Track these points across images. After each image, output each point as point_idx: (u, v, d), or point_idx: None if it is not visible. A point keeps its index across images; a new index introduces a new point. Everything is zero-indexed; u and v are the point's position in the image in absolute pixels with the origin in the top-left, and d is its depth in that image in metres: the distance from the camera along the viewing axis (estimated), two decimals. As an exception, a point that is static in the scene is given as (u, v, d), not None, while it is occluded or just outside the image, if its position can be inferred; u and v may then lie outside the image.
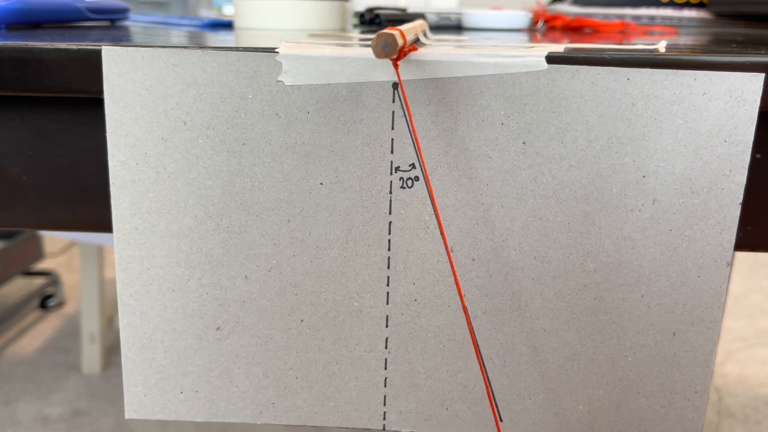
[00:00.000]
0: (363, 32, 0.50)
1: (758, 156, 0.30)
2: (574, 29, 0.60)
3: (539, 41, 0.48)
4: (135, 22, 0.65)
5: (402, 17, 0.55)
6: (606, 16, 0.86)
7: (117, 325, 1.60)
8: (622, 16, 0.85)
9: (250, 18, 0.50)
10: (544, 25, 0.63)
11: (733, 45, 0.36)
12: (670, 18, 0.84)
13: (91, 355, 1.47)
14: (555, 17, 0.62)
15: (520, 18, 0.57)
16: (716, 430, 1.32)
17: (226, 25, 0.54)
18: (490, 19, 0.57)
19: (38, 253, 1.74)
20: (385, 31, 0.21)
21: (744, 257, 2.24)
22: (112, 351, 1.55)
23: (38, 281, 1.76)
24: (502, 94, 0.26)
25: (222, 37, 0.41)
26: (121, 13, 0.55)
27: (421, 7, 0.69)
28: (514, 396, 0.30)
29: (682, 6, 0.84)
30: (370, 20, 0.55)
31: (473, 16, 0.58)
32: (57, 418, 1.32)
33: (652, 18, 0.84)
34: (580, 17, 0.60)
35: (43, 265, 1.92)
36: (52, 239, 2.04)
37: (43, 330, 1.65)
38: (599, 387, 0.29)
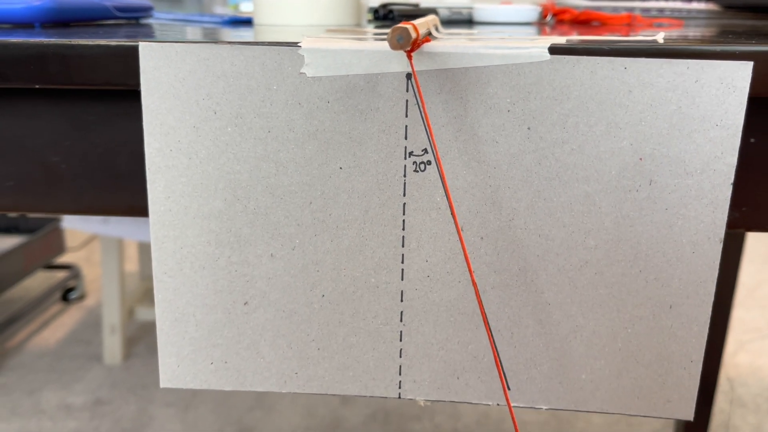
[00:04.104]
0: (377, 27, 0.52)
1: (752, 140, 0.32)
2: (582, 22, 0.61)
3: (548, 34, 0.50)
4: (158, 20, 0.67)
5: (415, 12, 0.57)
6: (615, 8, 0.87)
7: (137, 316, 1.64)
8: (631, 9, 0.86)
9: (268, 14, 0.52)
10: (553, 19, 0.65)
11: (730, 36, 0.37)
12: (679, 10, 0.85)
13: (112, 346, 1.50)
14: (564, 11, 0.64)
15: (530, 12, 0.59)
16: (728, 419, 1.33)
17: (246, 22, 0.57)
18: (500, 14, 0.59)
19: (60, 247, 1.77)
20: (400, 25, 0.23)
21: (757, 249, 2.24)
22: (132, 342, 1.58)
23: (60, 274, 1.79)
24: (508, 83, 0.28)
25: (243, 33, 0.44)
26: (145, 11, 0.57)
27: (434, 2, 0.70)
28: (521, 366, 0.32)
29: (690, -2, 0.86)
30: (384, 15, 0.57)
31: (484, 11, 0.60)
32: (80, 407, 1.35)
33: (661, 10, 0.85)
34: (587, 11, 0.61)
35: (64, 258, 1.96)
36: (74, 233, 2.08)
37: (65, 322, 1.69)
38: (601, 357, 0.31)
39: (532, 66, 0.28)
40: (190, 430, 1.28)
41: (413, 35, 0.24)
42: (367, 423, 1.31)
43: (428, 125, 0.28)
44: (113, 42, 0.29)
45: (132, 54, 0.29)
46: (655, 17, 0.83)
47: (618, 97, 0.28)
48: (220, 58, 0.28)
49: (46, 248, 1.72)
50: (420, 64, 0.28)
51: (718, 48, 0.28)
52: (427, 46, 0.27)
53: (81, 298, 1.81)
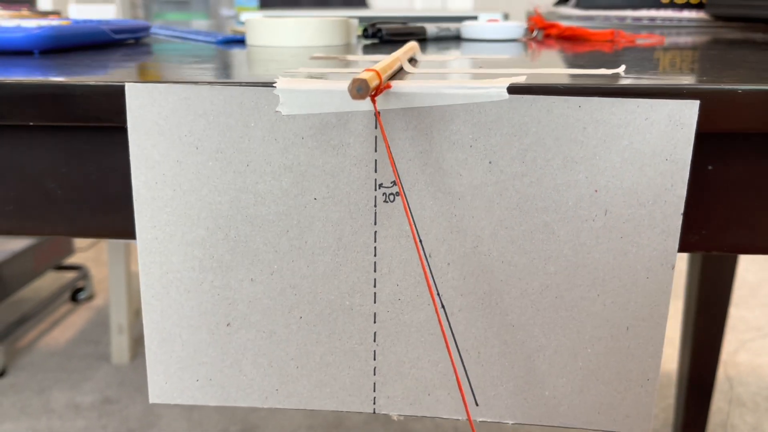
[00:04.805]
0: (366, 47, 0.54)
1: (710, 167, 0.34)
2: (568, 38, 0.63)
3: (533, 49, 0.51)
4: (156, 35, 0.69)
5: (402, 31, 0.59)
6: (607, 17, 0.88)
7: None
8: (623, 18, 0.87)
9: (260, 36, 0.54)
10: (540, 33, 0.66)
11: (690, 66, 0.39)
12: (671, 19, 0.86)
13: (119, 346, 1.53)
14: (551, 26, 0.65)
15: (515, 29, 0.61)
16: (727, 418, 1.34)
17: (239, 41, 0.58)
18: (486, 31, 0.61)
19: (68, 249, 1.81)
20: (359, 76, 0.25)
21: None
22: (139, 342, 1.61)
23: (69, 275, 1.83)
24: (470, 120, 0.30)
25: (234, 55, 0.46)
26: (142, 31, 0.59)
27: (438, 10, 0.72)
28: (488, 383, 0.33)
29: (682, 7, 0.87)
30: (373, 34, 0.59)
31: (471, 28, 0.61)
32: (88, 406, 1.38)
33: (652, 19, 0.86)
34: (572, 27, 0.63)
35: (73, 259, 1.99)
36: (81, 234, 2.11)
37: (74, 322, 1.72)
38: (562, 375, 0.33)
39: (493, 105, 0.29)
40: (196, 428, 1.31)
41: (374, 83, 0.25)
42: (368, 422, 1.33)
43: (391, 161, 0.30)
44: (101, 82, 0.31)
45: (119, 93, 0.31)
46: (646, 26, 0.84)
47: (573, 134, 0.29)
48: (200, 98, 0.30)
49: (56, 250, 1.75)
50: (386, 103, 0.29)
51: (667, 86, 0.29)
52: (394, 86, 0.29)
53: (90, 298, 1.84)
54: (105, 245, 2.15)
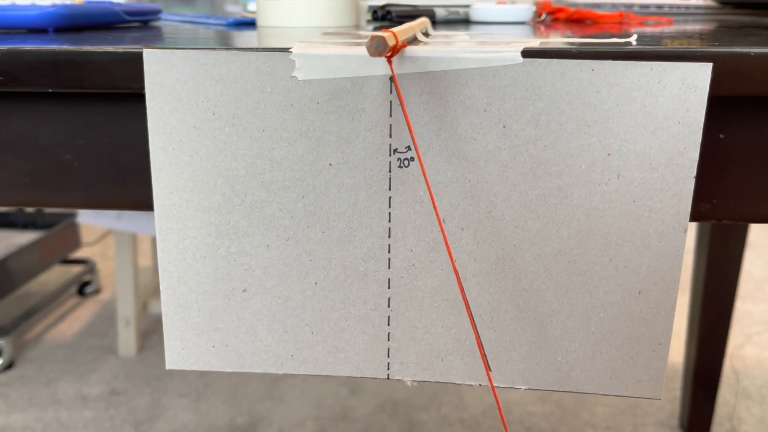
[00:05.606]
0: (375, 28, 0.54)
1: (722, 136, 0.34)
2: (576, 21, 0.63)
3: (541, 33, 0.51)
4: (166, 22, 0.70)
5: (412, 13, 0.59)
6: (615, 5, 0.88)
7: (150, 310, 1.67)
8: (630, 5, 0.88)
9: (270, 17, 0.54)
10: (549, 17, 0.67)
11: (701, 37, 0.39)
12: (678, 6, 0.86)
13: (126, 339, 1.54)
14: (559, 9, 0.66)
15: (524, 11, 0.61)
16: (733, 410, 1.34)
17: (250, 24, 0.59)
18: (495, 14, 0.61)
19: (76, 243, 1.81)
20: (378, 33, 0.25)
21: (767, 243, 2.24)
22: (146, 335, 1.62)
23: (76, 269, 1.83)
24: (485, 84, 0.30)
25: (245, 35, 0.46)
26: (153, 14, 0.60)
27: (433, 2, 0.72)
28: (501, 348, 0.34)
29: (689, -6, 0.87)
30: (383, 16, 0.59)
31: (480, 11, 0.62)
32: (95, 397, 1.39)
33: (660, 6, 0.87)
34: (580, 10, 0.63)
35: (80, 253, 2.00)
36: (89, 229, 2.12)
37: (81, 315, 1.73)
38: (575, 340, 0.33)
39: (507, 69, 0.30)
40: (203, 419, 1.32)
41: (391, 42, 0.26)
42: (375, 413, 1.33)
43: (409, 125, 0.30)
44: (120, 48, 0.32)
45: (137, 60, 0.32)
46: (653, 13, 0.84)
47: (587, 97, 0.30)
48: (217, 63, 0.31)
49: (63, 243, 1.76)
50: (401, 67, 0.30)
51: (680, 50, 0.29)
52: (409, 51, 0.30)
53: (96, 291, 1.85)
54: (112, 240, 2.15)
